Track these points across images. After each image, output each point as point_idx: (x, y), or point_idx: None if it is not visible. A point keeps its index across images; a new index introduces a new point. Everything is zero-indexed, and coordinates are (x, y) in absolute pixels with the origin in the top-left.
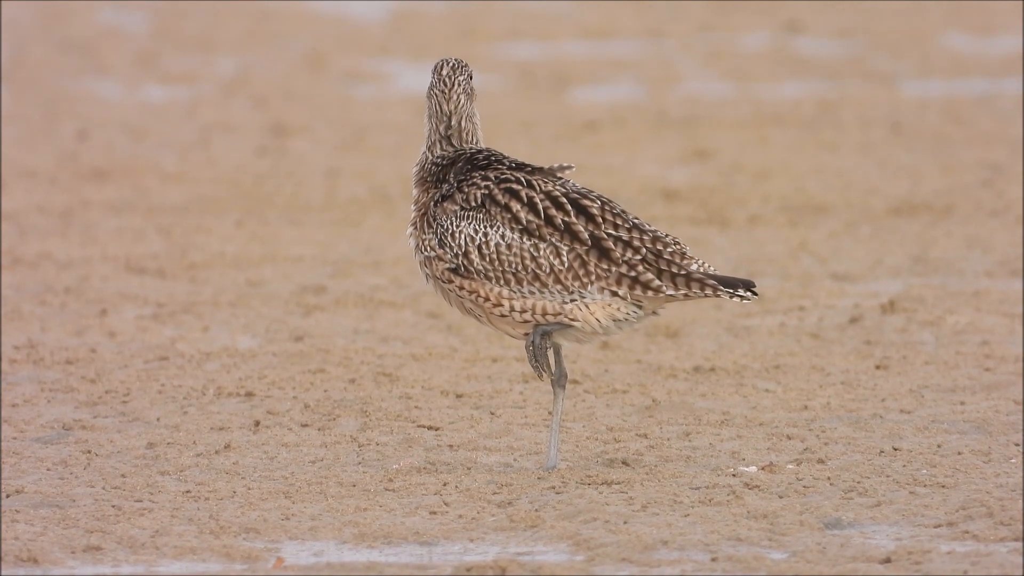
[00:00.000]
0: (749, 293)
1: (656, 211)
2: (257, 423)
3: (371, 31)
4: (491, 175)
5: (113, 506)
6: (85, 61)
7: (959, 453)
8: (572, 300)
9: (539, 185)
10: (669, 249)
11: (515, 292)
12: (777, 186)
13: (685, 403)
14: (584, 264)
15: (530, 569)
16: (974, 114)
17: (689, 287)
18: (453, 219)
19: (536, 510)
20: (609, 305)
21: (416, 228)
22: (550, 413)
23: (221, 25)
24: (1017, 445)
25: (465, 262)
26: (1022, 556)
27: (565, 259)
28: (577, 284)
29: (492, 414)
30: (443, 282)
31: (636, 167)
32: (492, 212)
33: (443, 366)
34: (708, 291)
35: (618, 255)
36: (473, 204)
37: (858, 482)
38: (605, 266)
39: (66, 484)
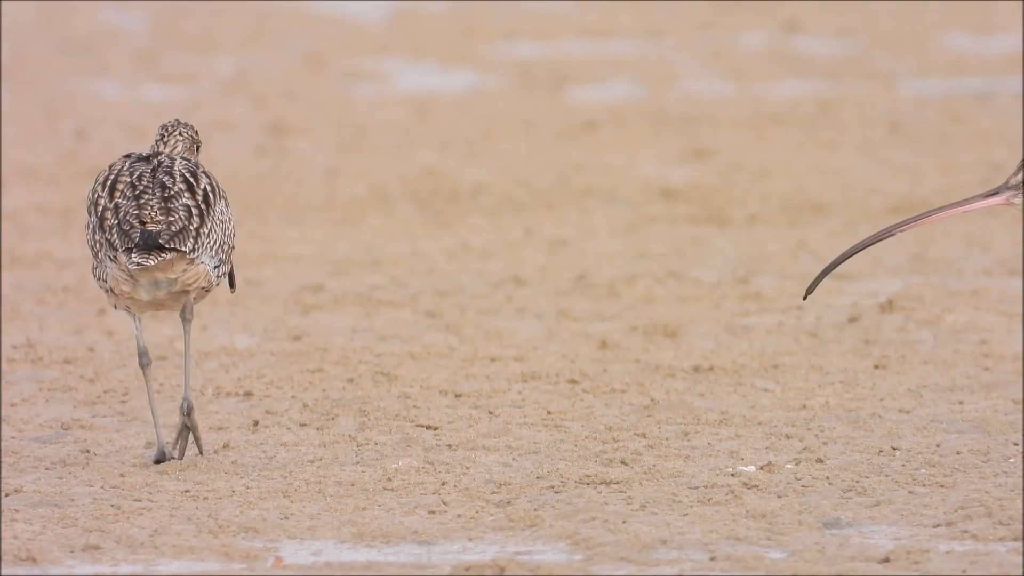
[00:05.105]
0: (142, 255)
1: (655, 210)
2: (255, 422)
3: (371, 31)
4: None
5: (112, 505)
6: (85, 61)
7: (958, 452)
8: (106, 269)
9: (123, 166)
10: (133, 212)
11: (99, 267)
12: (776, 185)
13: (683, 402)
14: (94, 234)
15: (529, 568)
16: (973, 113)
17: (123, 243)
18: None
19: (535, 509)
20: (117, 276)
21: None
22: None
23: (220, 25)
24: (1016, 444)
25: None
26: (1021, 556)
27: (89, 231)
28: (97, 253)
29: (491, 413)
30: None
31: (636, 166)
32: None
33: (441, 365)
34: (132, 244)
35: (108, 223)
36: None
37: (857, 481)
38: (99, 236)
39: (65, 483)
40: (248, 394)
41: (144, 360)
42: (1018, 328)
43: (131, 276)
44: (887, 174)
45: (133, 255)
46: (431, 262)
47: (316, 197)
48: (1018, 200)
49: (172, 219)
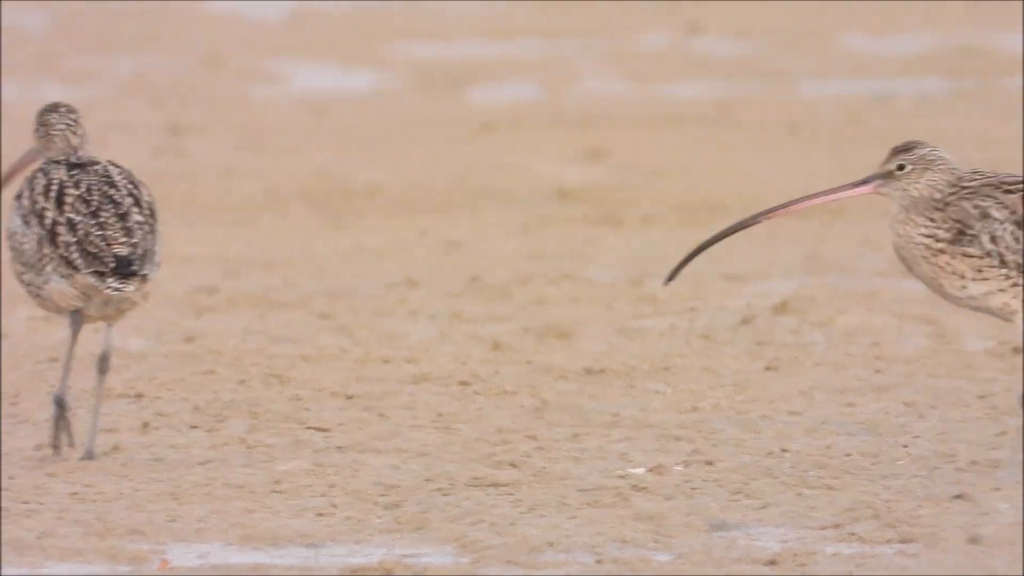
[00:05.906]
0: (120, 281)
1: (551, 211)
2: (146, 424)
3: (269, 31)
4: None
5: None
6: None
7: (847, 455)
8: (47, 282)
9: (62, 174)
10: (97, 233)
11: (29, 273)
12: (672, 186)
13: (574, 404)
14: (40, 247)
15: (416, 571)
16: (871, 114)
17: (89, 266)
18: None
19: (423, 512)
20: (66, 292)
21: None
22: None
23: (119, 25)
24: (905, 447)
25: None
26: (907, 558)
27: (32, 243)
28: (40, 266)
29: (381, 416)
30: None
31: (532, 167)
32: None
33: (333, 367)
34: (105, 269)
35: (63, 240)
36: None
37: (745, 484)
38: (48, 250)
39: None
40: (139, 396)
41: (74, 328)
42: (910, 330)
43: (85, 294)
44: (783, 174)
45: (108, 280)
46: (325, 263)
47: (211, 197)
48: (886, 189)
49: (135, 240)
